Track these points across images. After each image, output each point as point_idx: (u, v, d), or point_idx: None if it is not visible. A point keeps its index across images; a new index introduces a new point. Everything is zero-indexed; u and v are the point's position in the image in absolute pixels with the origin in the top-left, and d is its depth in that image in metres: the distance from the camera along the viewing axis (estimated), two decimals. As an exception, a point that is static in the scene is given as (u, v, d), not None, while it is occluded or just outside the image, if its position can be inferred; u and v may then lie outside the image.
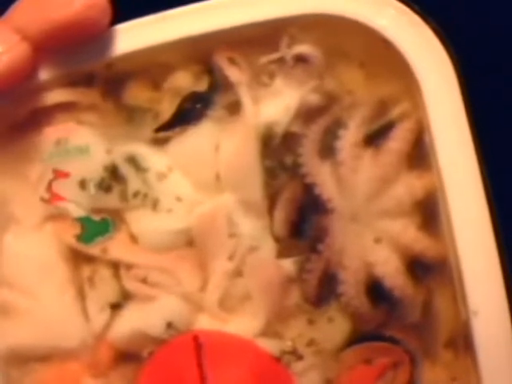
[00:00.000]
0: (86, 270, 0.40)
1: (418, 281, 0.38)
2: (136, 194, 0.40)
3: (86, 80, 0.40)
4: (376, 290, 0.38)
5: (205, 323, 0.39)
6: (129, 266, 0.39)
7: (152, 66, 0.40)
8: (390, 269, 0.38)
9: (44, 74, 0.39)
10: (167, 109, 0.40)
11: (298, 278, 0.39)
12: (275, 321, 0.39)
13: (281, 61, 0.39)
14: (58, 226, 0.40)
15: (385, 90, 0.39)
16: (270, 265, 0.39)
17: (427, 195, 0.38)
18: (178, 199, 0.39)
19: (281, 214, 0.39)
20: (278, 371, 0.39)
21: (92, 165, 0.40)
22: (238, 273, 0.39)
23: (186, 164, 0.40)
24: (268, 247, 0.39)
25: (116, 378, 0.40)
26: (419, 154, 0.38)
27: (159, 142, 0.40)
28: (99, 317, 0.40)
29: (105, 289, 0.40)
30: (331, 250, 0.38)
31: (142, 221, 0.40)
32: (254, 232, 0.39)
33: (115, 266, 0.40)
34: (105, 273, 0.40)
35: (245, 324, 0.39)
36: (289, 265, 0.39)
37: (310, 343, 0.39)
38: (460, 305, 0.37)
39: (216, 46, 0.39)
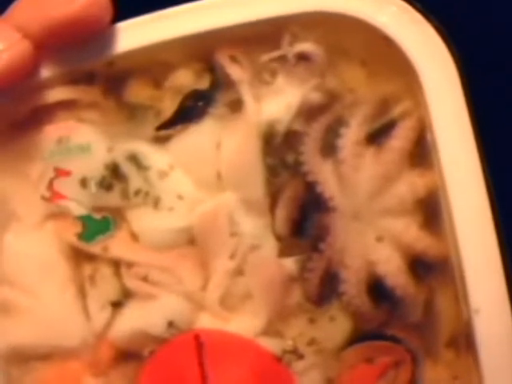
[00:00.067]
0: (87, 269, 0.40)
1: (420, 280, 0.38)
2: (137, 193, 0.39)
3: (87, 78, 0.40)
4: (378, 289, 0.38)
5: (206, 322, 0.39)
6: (130, 265, 0.39)
7: (153, 63, 0.40)
8: (391, 267, 0.38)
9: (45, 72, 0.39)
10: (169, 107, 0.40)
11: (300, 277, 0.38)
12: (276, 320, 0.39)
13: (282, 59, 0.39)
14: (59, 224, 0.40)
15: (386, 88, 0.39)
16: (271, 264, 0.39)
17: (429, 193, 0.38)
18: (180, 197, 0.39)
19: (282, 212, 0.39)
20: (279, 370, 0.39)
21: (93, 163, 0.40)
22: (239, 272, 0.39)
23: (187, 162, 0.40)
24: (269, 246, 0.39)
25: (117, 377, 0.40)
26: (421, 153, 0.38)
27: (160, 140, 0.40)
28: (100, 315, 0.40)
29: (106, 287, 0.40)
30: (333, 248, 0.38)
31: (143, 219, 0.40)
32: (256, 231, 0.39)
33: (116, 265, 0.40)
34: (106, 271, 0.40)
35: (246, 323, 0.39)
36: (290, 264, 0.39)
37: (311, 342, 0.39)
38: (462, 304, 0.37)
39: (218, 43, 0.39)
